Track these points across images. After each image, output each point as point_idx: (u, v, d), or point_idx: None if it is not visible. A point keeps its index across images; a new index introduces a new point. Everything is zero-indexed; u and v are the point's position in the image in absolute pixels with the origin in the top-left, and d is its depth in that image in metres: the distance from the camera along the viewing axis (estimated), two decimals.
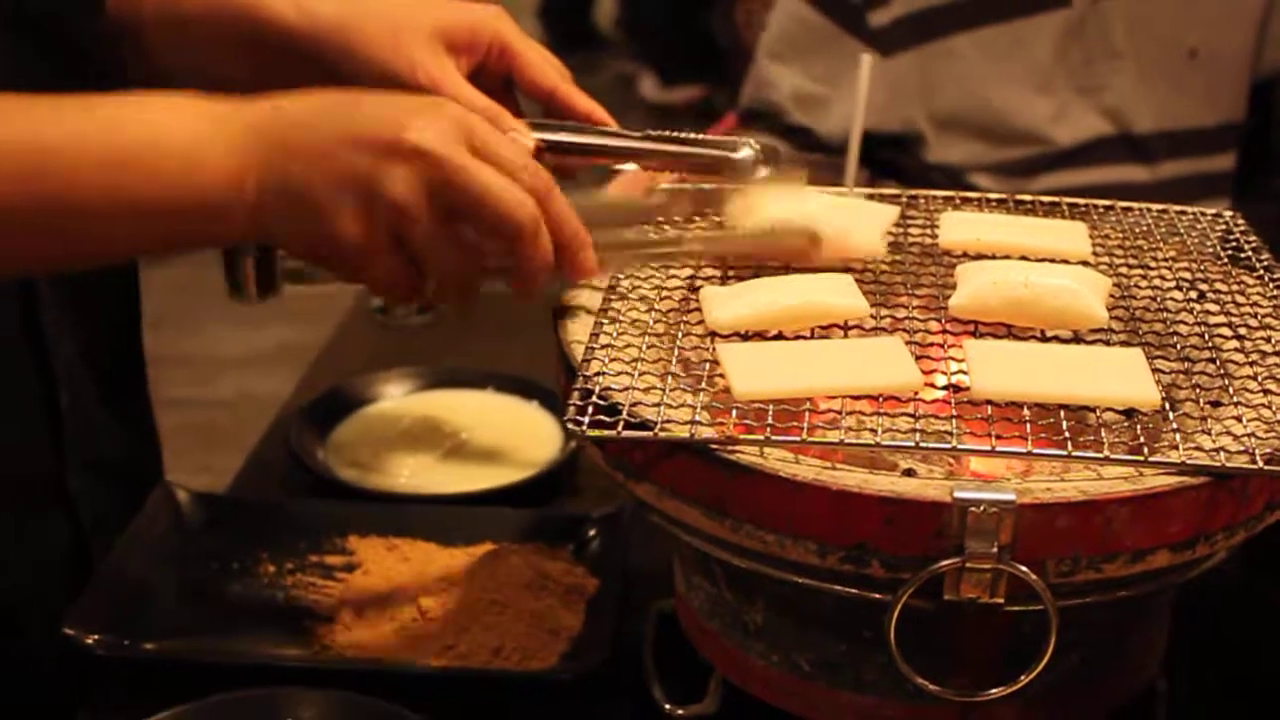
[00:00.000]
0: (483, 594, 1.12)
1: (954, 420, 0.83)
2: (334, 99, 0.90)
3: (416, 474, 1.33)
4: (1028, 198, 1.19)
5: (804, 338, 0.95)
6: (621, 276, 1.01)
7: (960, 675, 0.87)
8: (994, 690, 0.85)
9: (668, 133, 1.07)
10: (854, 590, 0.85)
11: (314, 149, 0.87)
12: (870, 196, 1.16)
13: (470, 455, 1.36)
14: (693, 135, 1.07)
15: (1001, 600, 0.81)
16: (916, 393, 0.87)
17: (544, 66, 1.08)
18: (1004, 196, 1.19)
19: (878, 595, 0.83)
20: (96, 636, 1.06)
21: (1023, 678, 0.84)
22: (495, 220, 0.88)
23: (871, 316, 0.96)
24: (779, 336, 0.95)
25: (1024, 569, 0.80)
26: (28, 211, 0.85)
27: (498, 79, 1.07)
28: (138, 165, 0.86)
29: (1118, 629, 0.93)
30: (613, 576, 1.14)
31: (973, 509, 0.79)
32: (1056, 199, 1.19)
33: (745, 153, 1.06)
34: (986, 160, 1.98)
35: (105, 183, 0.86)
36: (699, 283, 1.02)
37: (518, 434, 1.39)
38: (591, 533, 1.20)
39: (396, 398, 1.46)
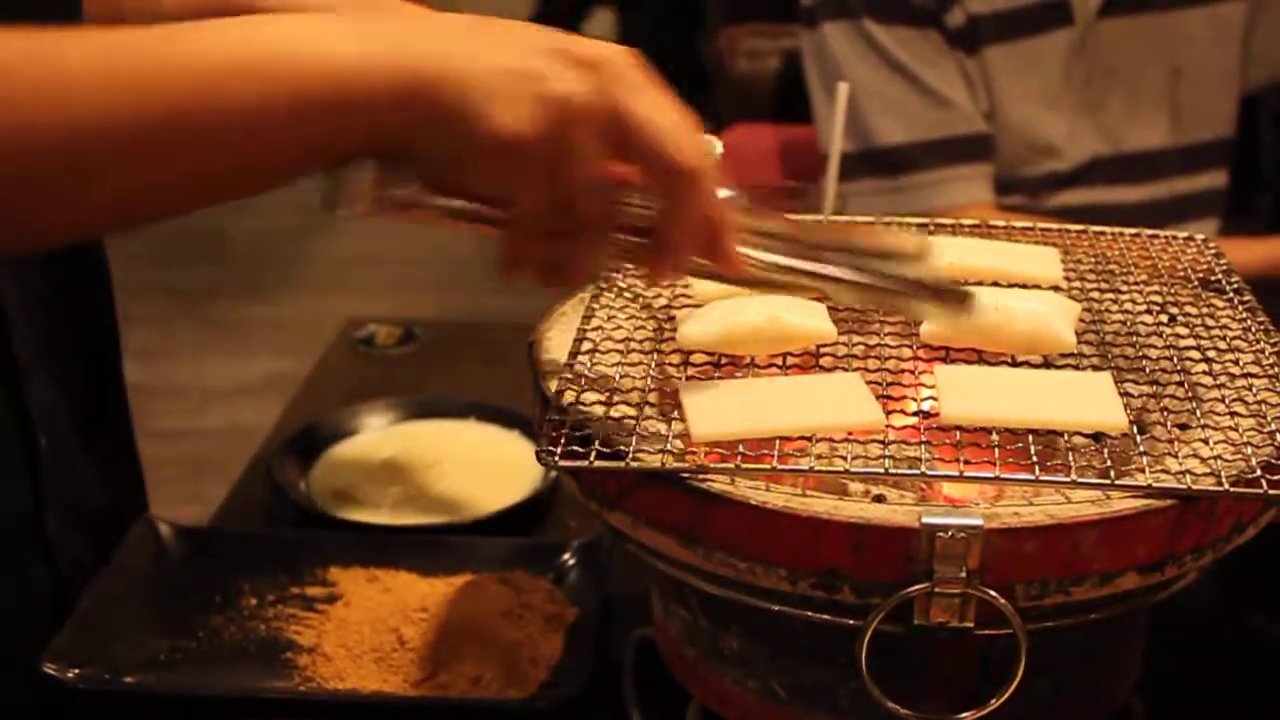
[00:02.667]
0: (462, 623, 1.12)
1: (923, 446, 0.84)
2: (487, 18, 0.81)
3: (398, 505, 1.34)
4: (1000, 223, 1.20)
5: (775, 363, 0.95)
6: (597, 307, 1.02)
7: (933, 700, 0.87)
8: (966, 714, 0.85)
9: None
10: (826, 616, 0.85)
11: (476, 44, 0.77)
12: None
13: (452, 485, 1.37)
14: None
15: (971, 624, 0.81)
16: (889, 424, 0.87)
17: None
18: (977, 222, 1.20)
19: (849, 621, 0.84)
20: (77, 670, 1.06)
21: (993, 701, 0.84)
22: (662, 156, 0.78)
23: (843, 343, 0.97)
24: (751, 362, 0.95)
25: (993, 593, 0.80)
26: (171, 131, 0.75)
27: None
28: (270, 65, 0.75)
29: (1090, 651, 0.93)
30: (592, 605, 1.15)
31: (940, 534, 0.79)
32: (1031, 223, 1.20)
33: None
34: (1004, 178, 2.00)
35: (240, 86, 0.75)
36: (674, 311, 1.03)
37: (499, 464, 1.39)
38: (571, 561, 1.21)
39: (378, 429, 1.46)
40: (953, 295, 0.89)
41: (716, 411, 0.87)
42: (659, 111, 0.78)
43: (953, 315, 0.90)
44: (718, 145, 0.98)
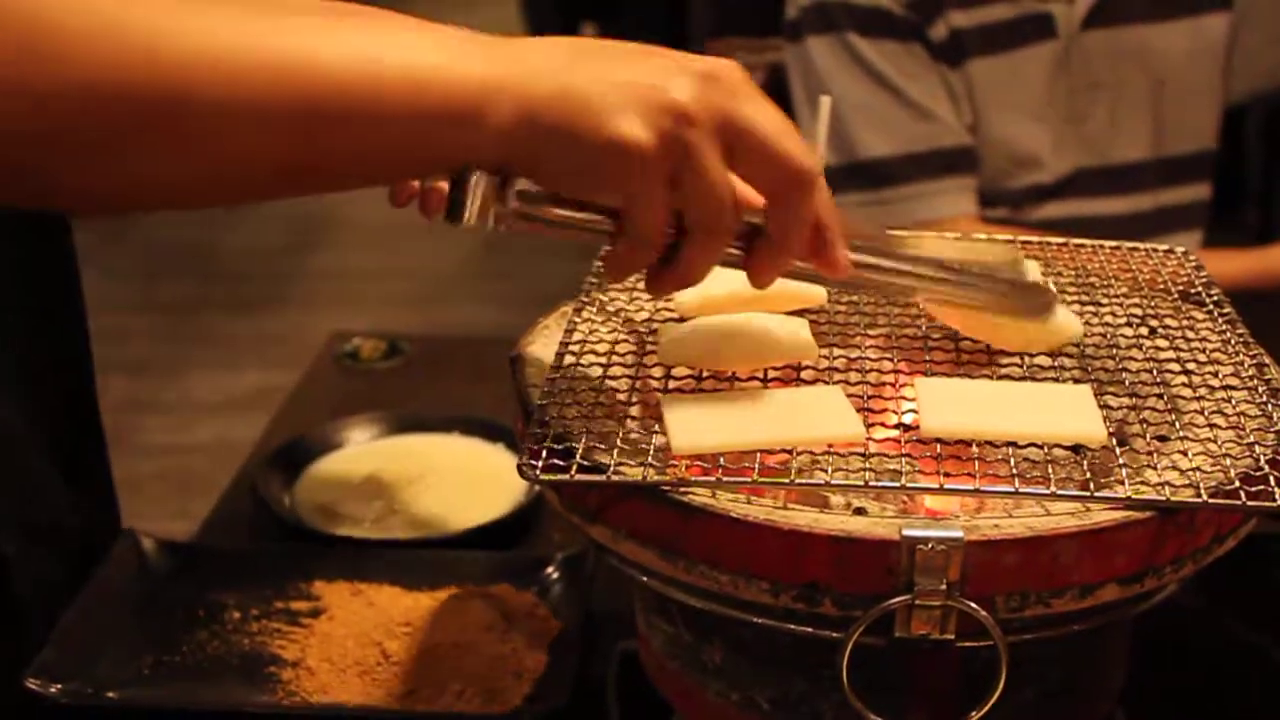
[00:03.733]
0: (446, 637, 1.12)
1: (904, 459, 0.84)
2: (593, 39, 0.84)
3: (382, 518, 1.34)
4: (983, 237, 1.21)
5: (755, 378, 0.95)
6: (579, 320, 1.02)
7: (915, 712, 0.88)
8: None
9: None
10: (808, 629, 0.85)
11: (593, 61, 0.80)
12: None
13: (436, 499, 1.37)
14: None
15: (952, 636, 0.82)
16: (870, 436, 0.88)
17: None
18: (958, 236, 1.21)
19: (831, 633, 0.84)
20: (60, 686, 1.06)
21: (974, 714, 0.85)
22: (778, 159, 0.80)
23: (824, 357, 0.97)
24: (732, 376, 0.95)
25: (973, 605, 0.80)
26: (293, 117, 0.75)
27: None
28: (391, 66, 0.76)
29: (1072, 663, 0.93)
30: (575, 618, 1.15)
31: (921, 546, 0.79)
32: (1012, 237, 1.20)
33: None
34: (988, 190, 2.00)
35: (359, 83, 0.75)
36: (656, 325, 1.03)
37: (483, 477, 1.39)
38: (554, 575, 1.21)
39: (362, 442, 1.46)
40: (1036, 296, 0.94)
41: (697, 424, 0.87)
42: (770, 118, 0.80)
43: (1032, 317, 0.95)
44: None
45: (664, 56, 0.81)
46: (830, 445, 0.86)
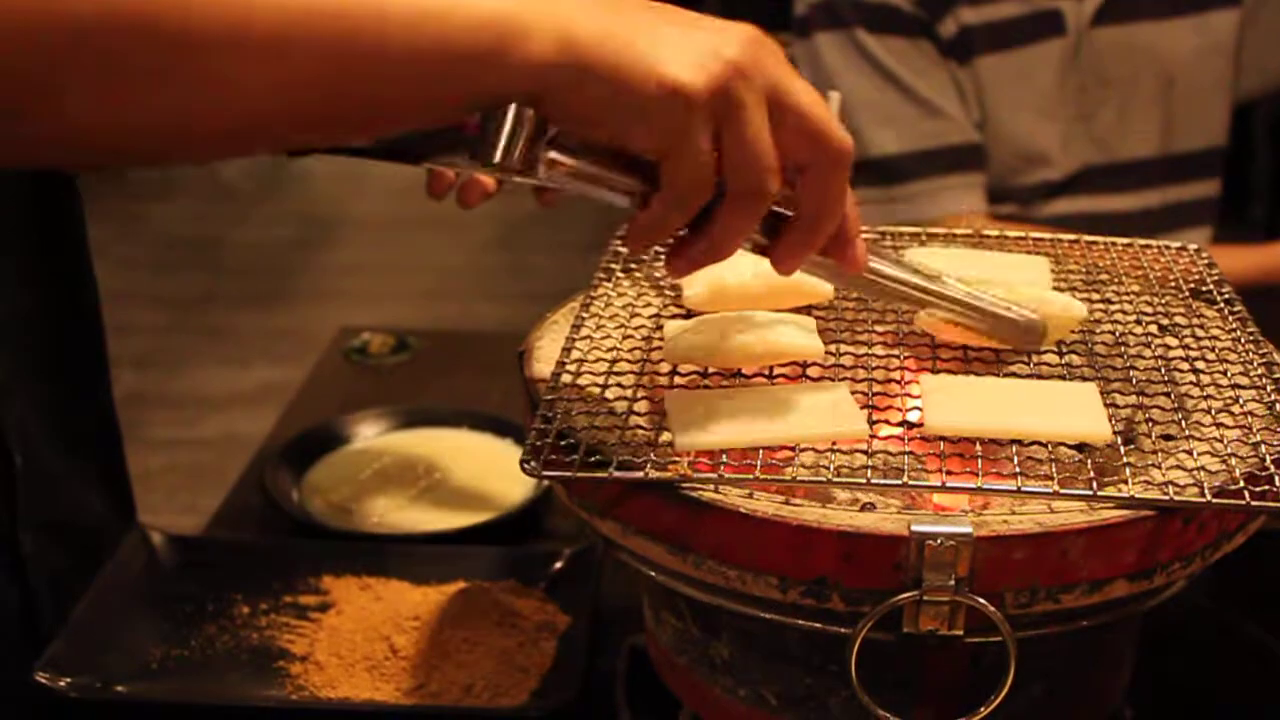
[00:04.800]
0: (454, 632, 1.13)
1: (907, 456, 0.84)
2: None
3: (390, 513, 1.34)
4: (993, 232, 1.21)
5: (761, 375, 0.95)
6: (586, 316, 1.02)
7: (923, 707, 0.88)
8: None
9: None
10: (816, 624, 0.85)
11: (644, 7, 0.78)
12: None
13: (444, 494, 1.37)
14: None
15: (961, 632, 0.82)
16: (874, 433, 0.88)
17: None
18: (970, 231, 1.20)
19: (839, 629, 0.84)
20: (69, 679, 1.07)
21: (983, 709, 0.85)
22: (820, 131, 0.79)
23: (831, 353, 0.97)
24: (737, 373, 0.95)
25: (982, 601, 0.80)
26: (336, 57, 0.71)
27: None
28: (426, 11, 0.72)
29: (1081, 659, 0.93)
30: (584, 613, 1.15)
31: (930, 542, 0.79)
32: (1023, 233, 1.20)
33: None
34: (997, 187, 2.00)
35: (394, 29, 0.72)
36: (663, 321, 1.03)
37: (492, 472, 1.40)
38: (563, 569, 1.21)
39: (371, 437, 1.47)
40: (1030, 333, 0.97)
41: (701, 422, 0.87)
42: (811, 92, 0.79)
43: (1019, 348, 0.97)
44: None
45: (712, 19, 0.79)
46: (834, 443, 0.86)
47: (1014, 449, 0.85)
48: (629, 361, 0.97)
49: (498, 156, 0.76)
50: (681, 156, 0.77)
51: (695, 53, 0.75)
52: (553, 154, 0.78)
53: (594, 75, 0.74)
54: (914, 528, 0.80)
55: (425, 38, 0.72)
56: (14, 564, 1.11)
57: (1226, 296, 1.07)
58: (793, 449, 0.85)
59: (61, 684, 1.06)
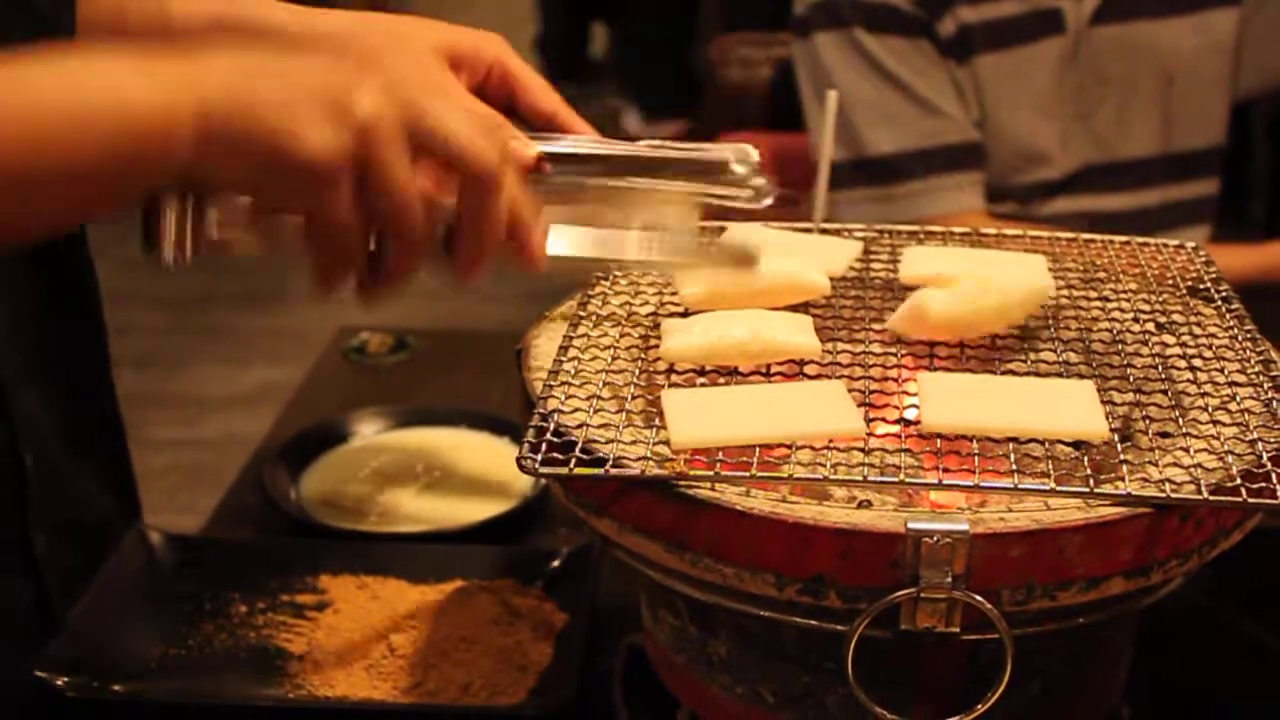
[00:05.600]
0: (452, 631, 1.13)
1: (903, 454, 0.84)
2: (283, 42, 0.86)
3: (388, 512, 1.34)
4: (991, 231, 1.20)
5: (759, 373, 0.95)
6: (584, 315, 1.02)
7: (920, 704, 0.88)
8: (953, 719, 0.86)
9: (665, 142, 1.08)
10: (813, 622, 0.85)
11: (275, 68, 0.80)
12: (836, 233, 1.18)
13: (442, 493, 1.37)
14: (690, 144, 1.09)
15: (957, 629, 0.82)
16: (871, 431, 0.88)
17: (544, 91, 1.10)
18: (967, 230, 1.20)
19: (836, 626, 0.84)
20: (67, 679, 1.06)
21: (979, 706, 0.85)
22: (465, 159, 0.82)
23: (828, 351, 0.97)
24: (734, 371, 0.95)
25: (978, 598, 0.80)
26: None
27: (498, 103, 1.08)
28: (73, 113, 0.77)
29: (1078, 656, 0.93)
30: (581, 612, 1.15)
31: (926, 539, 0.79)
32: (1021, 231, 1.20)
33: (740, 158, 1.07)
34: (996, 186, 2.00)
35: (43, 133, 0.76)
36: (659, 320, 1.03)
37: (489, 471, 1.40)
38: (561, 568, 1.21)
39: (369, 436, 1.46)
40: (740, 254, 0.98)
41: (697, 419, 0.88)
42: (455, 117, 0.82)
43: (738, 270, 0.98)
44: (753, 153, 1.07)
45: (348, 62, 0.81)
46: (830, 440, 0.86)
47: (1011, 446, 0.85)
48: (626, 360, 0.97)
49: (168, 255, 0.83)
50: (324, 219, 0.81)
51: (326, 118, 0.78)
52: (216, 235, 0.84)
53: (234, 156, 0.78)
54: (910, 525, 0.80)
55: (75, 148, 0.76)
56: (28, 563, 1.11)
57: (1224, 294, 1.07)
58: (789, 446, 0.85)
59: (59, 683, 1.06)
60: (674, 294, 1.05)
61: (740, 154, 1.06)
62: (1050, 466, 0.83)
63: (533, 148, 1.00)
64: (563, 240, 0.94)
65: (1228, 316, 1.04)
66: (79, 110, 0.76)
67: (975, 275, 1.00)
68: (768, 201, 1.07)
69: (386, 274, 0.85)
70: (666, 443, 0.86)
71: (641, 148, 1.06)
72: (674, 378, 0.95)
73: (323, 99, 0.78)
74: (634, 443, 0.86)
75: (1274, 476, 0.82)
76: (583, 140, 1.07)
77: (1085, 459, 0.85)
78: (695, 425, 0.87)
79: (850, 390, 0.91)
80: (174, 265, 0.83)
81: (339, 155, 0.78)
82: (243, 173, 0.79)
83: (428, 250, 0.85)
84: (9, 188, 0.76)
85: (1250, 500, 0.81)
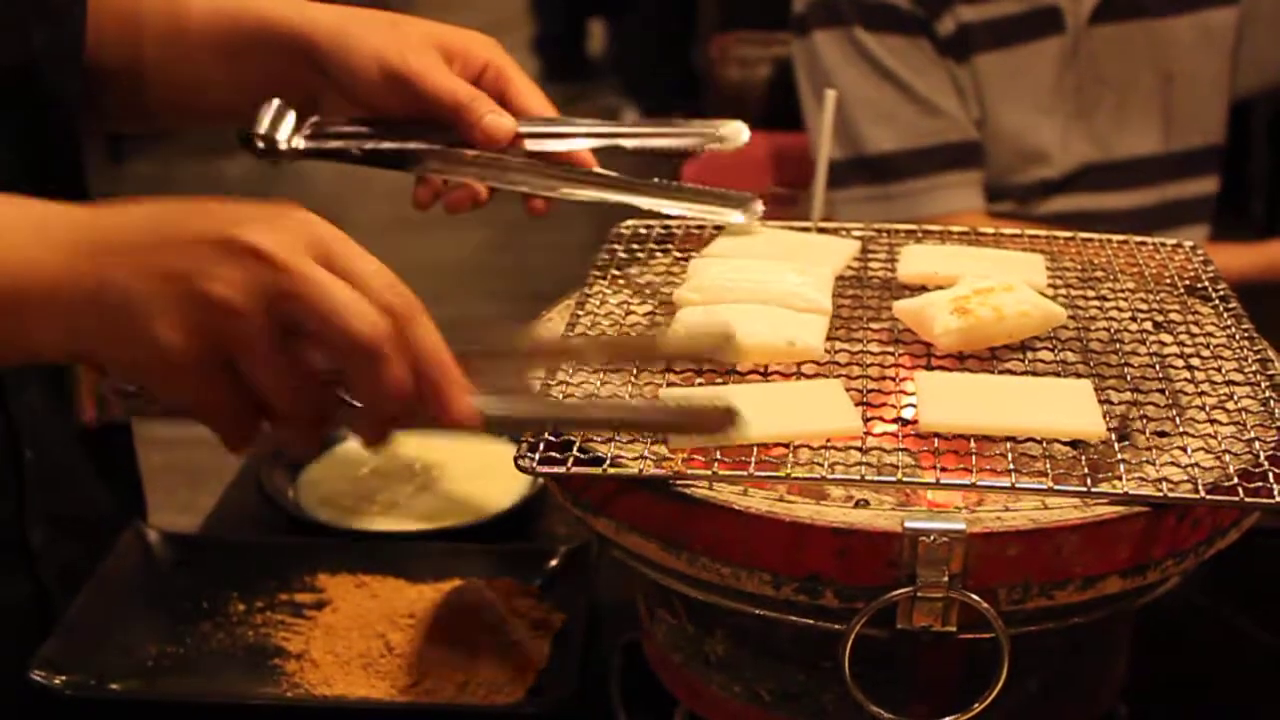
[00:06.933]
0: (449, 630, 1.12)
1: (900, 453, 0.84)
2: (170, 203, 0.79)
3: (386, 511, 1.34)
4: (990, 230, 1.20)
5: (757, 372, 0.95)
6: (581, 314, 1.02)
7: (917, 704, 0.88)
8: (949, 718, 0.86)
9: (659, 119, 1.10)
10: (809, 621, 0.86)
11: (134, 246, 0.76)
12: (834, 232, 1.18)
13: (440, 492, 1.37)
14: (675, 120, 1.10)
15: (954, 628, 0.82)
16: (869, 430, 0.88)
17: (535, 92, 1.10)
18: (965, 229, 1.20)
19: (833, 625, 0.84)
20: (64, 678, 1.06)
21: (976, 705, 0.85)
22: (337, 336, 0.75)
23: (826, 350, 0.97)
24: (732, 370, 0.95)
25: (975, 597, 0.81)
26: None
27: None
28: None
29: (1075, 655, 0.93)
30: (579, 610, 1.15)
31: (923, 538, 0.80)
32: (1019, 230, 1.20)
33: (731, 130, 1.08)
34: (995, 185, 2.00)
35: None
36: (659, 319, 1.03)
37: (488, 470, 1.39)
38: (559, 567, 1.21)
39: None
40: (712, 416, 0.82)
41: None
42: (332, 289, 0.75)
43: (712, 435, 0.84)
44: (744, 132, 1.08)
45: (219, 232, 0.75)
46: (829, 440, 0.86)
47: (1008, 446, 0.85)
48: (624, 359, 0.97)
49: (78, 415, 0.82)
50: (196, 407, 0.78)
51: (183, 302, 0.74)
52: (123, 403, 0.82)
53: (97, 343, 0.77)
54: (907, 524, 0.80)
55: None
56: (25, 558, 1.12)
57: (1221, 293, 1.07)
58: (787, 446, 0.85)
59: (56, 682, 1.06)
60: (669, 295, 1.05)
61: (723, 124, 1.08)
62: (1047, 466, 0.83)
63: (509, 121, 1.01)
64: (505, 403, 0.85)
65: (1225, 315, 1.04)
66: None
67: (983, 292, 0.99)
68: (758, 213, 1.08)
69: (279, 441, 0.81)
70: (664, 441, 0.86)
71: (622, 125, 1.08)
72: (671, 377, 0.95)
73: (182, 282, 0.74)
74: (631, 441, 0.86)
75: (1271, 476, 0.83)
76: (565, 120, 1.08)
77: (1082, 458, 0.85)
78: None
79: (848, 389, 0.91)
80: (88, 424, 0.82)
81: (191, 346, 0.75)
82: (108, 359, 0.78)
83: (314, 427, 0.80)
84: None
85: (1247, 499, 0.81)
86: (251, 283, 0.74)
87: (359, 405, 0.79)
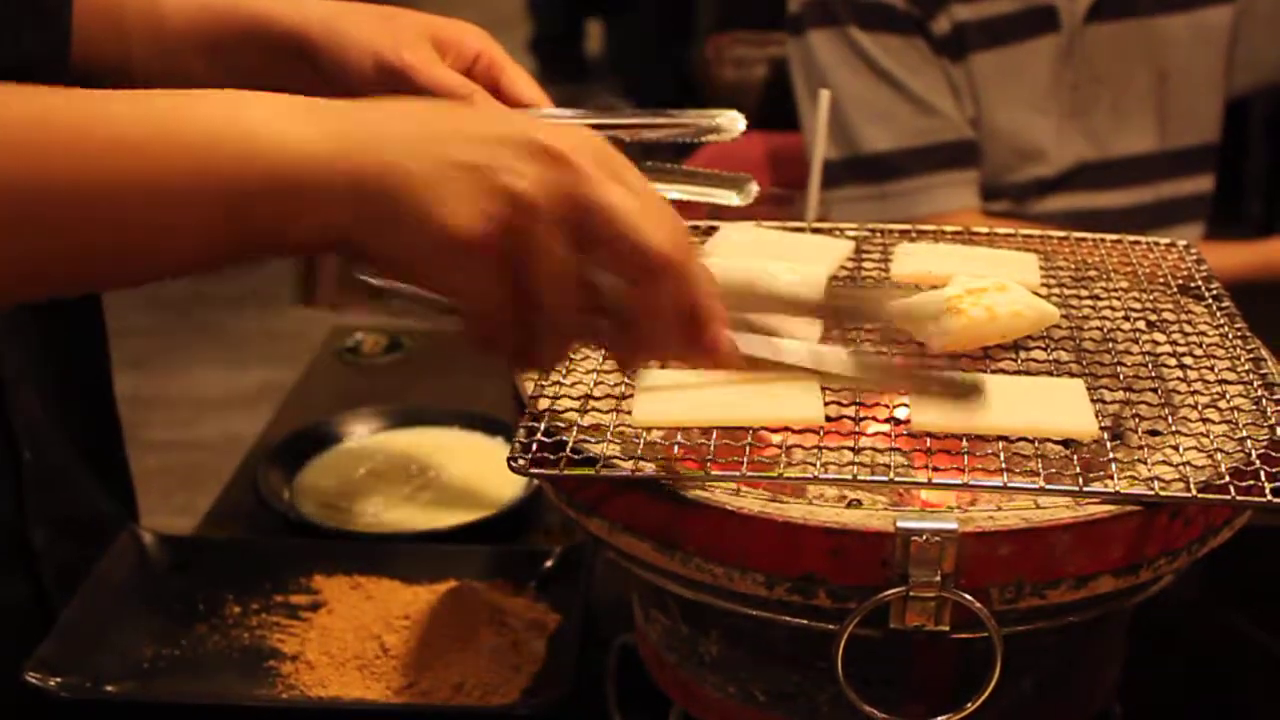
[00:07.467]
0: (445, 631, 1.13)
1: (893, 453, 0.84)
2: (448, 102, 0.77)
3: (382, 512, 1.34)
4: (983, 229, 1.21)
5: None
6: None
7: (911, 703, 0.88)
8: (943, 718, 0.86)
9: (654, 110, 1.10)
10: (803, 621, 0.85)
11: (419, 136, 0.74)
12: (829, 232, 1.18)
13: (436, 493, 1.37)
14: (670, 110, 1.10)
15: (947, 628, 0.82)
16: (859, 426, 0.88)
17: (528, 83, 1.10)
18: (959, 229, 1.20)
19: (826, 625, 0.84)
20: (59, 680, 1.06)
21: (970, 705, 0.85)
22: (632, 246, 0.74)
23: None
24: None
25: (968, 596, 0.81)
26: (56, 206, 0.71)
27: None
28: (204, 150, 0.72)
29: (1069, 655, 0.94)
30: (574, 611, 1.15)
31: (915, 538, 0.79)
32: (1012, 229, 1.20)
33: (726, 119, 1.08)
34: (991, 184, 2.00)
35: (148, 168, 0.71)
36: None
37: (483, 471, 1.40)
38: (553, 568, 1.21)
39: (363, 436, 1.46)
40: (959, 386, 0.86)
41: (662, 399, 0.88)
42: (627, 199, 0.74)
43: (959, 404, 0.87)
44: (740, 121, 1.09)
45: (515, 128, 0.75)
46: (787, 426, 0.86)
47: (1000, 445, 0.85)
48: None
49: (318, 298, 0.79)
50: (469, 301, 0.76)
51: (480, 191, 0.72)
52: (369, 283, 0.79)
53: (375, 224, 0.73)
54: (900, 524, 0.80)
55: (213, 203, 0.72)
56: (25, 559, 1.12)
57: (1214, 292, 1.07)
58: (779, 446, 0.85)
59: (52, 684, 1.06)
60: None
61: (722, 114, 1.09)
62: (1040, 465, 0.83)
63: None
64: (765, 345, 0.86)
65: (1218, 314, 1.04)
66: (197, 140, 0.72)
67: (976, 292, 0.99)
68: (753, 194, 1.08)
69: (536, 354, 0.79)
70: (654, 442, 0.86)
71: (628, 114, 1.08)
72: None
73: (479, 170, 0.72)
74: (625, 442, 0.86)
75: (1263, 474, 0.83)
76: (564, 111, 1.08)
77: (1075, 457, 0.85)
78: (658, 406, 0.88)
79: (841, 389, 0.91)
80: (324, 312, 0.78)
81: (489, 232, 0.72)
82: (382, 242, 0.74)
83: (581, 338, 0.80)
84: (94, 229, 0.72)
85: (1239, 498, 0.81)
86: (552, 183, 0.73)
87: (628, 322, 0.77)
